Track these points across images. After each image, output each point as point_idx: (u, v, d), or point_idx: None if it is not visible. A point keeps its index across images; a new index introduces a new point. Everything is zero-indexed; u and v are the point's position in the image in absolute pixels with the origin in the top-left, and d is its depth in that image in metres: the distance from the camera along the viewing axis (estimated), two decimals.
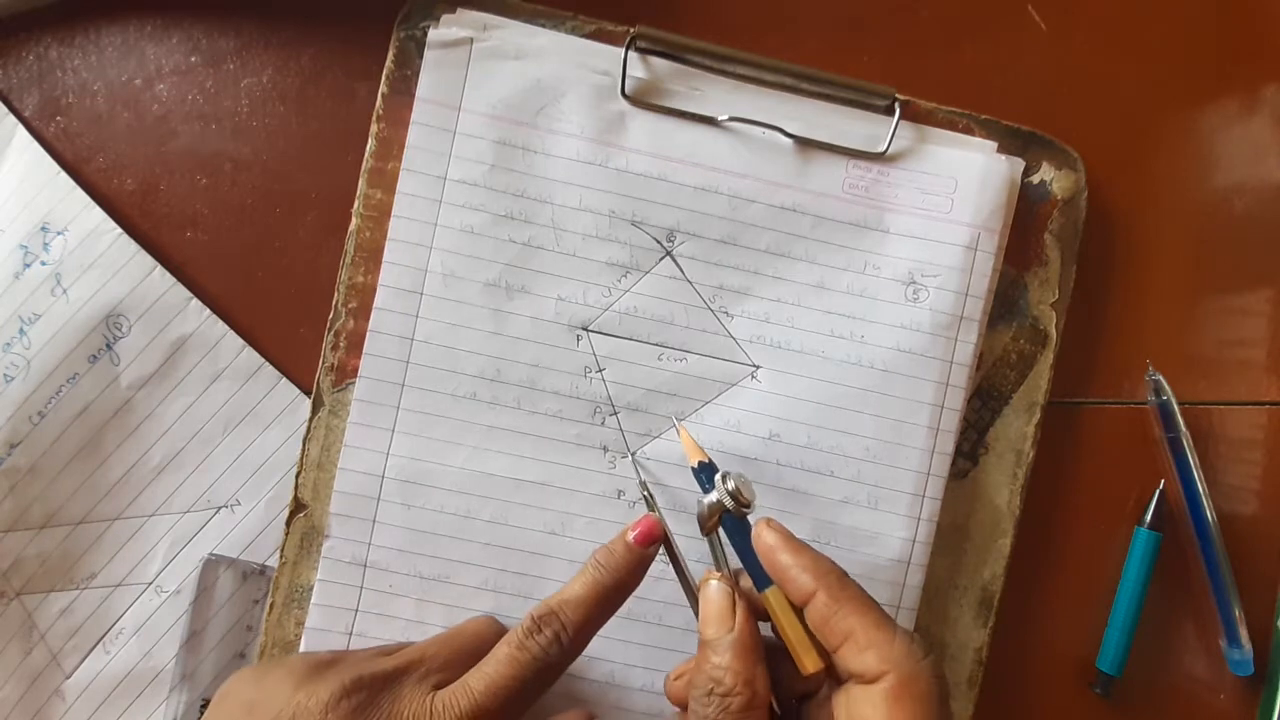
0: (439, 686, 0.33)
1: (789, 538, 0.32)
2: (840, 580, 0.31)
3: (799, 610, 0.31)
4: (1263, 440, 0.43)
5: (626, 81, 0.39)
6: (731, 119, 0.39)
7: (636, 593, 0.39)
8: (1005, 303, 0.41)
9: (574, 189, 0.39)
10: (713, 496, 0.33)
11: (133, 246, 0.39)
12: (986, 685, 0.41)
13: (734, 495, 0.33)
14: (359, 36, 0.40)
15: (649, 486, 0.38)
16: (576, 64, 0.39)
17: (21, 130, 0.39)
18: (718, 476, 0.34)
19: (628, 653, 0.39)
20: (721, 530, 0.34)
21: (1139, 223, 0.42)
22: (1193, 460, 0.41)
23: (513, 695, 0.32)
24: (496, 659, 0.33)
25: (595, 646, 0.39)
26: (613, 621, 0.39)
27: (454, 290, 0.39)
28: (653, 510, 0.37)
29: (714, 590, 0.32)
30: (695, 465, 0.35)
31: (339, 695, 0.31)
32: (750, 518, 0.33)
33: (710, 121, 0.39)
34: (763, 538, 0.32)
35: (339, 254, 0.39)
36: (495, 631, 0.37)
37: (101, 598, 0.40)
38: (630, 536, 0.34)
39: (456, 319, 0.39)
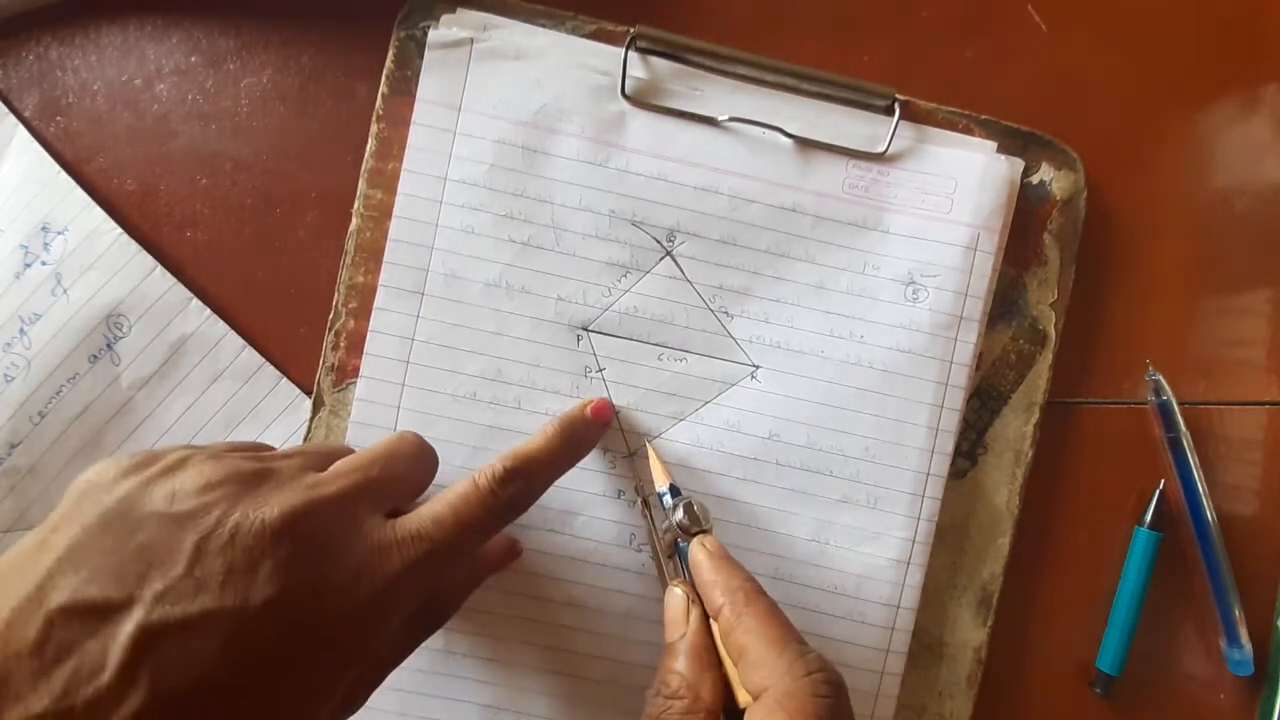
0: (392, 516, 0.31)
1: (716, 556, 0.33)
2: (747, 596, 0.31)
3: None
4: (1263, 440, 0.43)
5: (626, 81, 0.39)
6: (731, 119, 0.39)
7: (637, 593, 0.39)
8: (1005, 303, 0.41)
9: (574, 189, 0.39)
10: (670, 521, 0.35)
11: (133, 246, 0.39)
12: (986, 685, 0.41)
13: (680, 523, 0.34)
14: (359, 36, 0.40)
15: (640, 486, 0.38)
16: (576, 64, 0.39)
17: (21, 130, 0.39)
18: (678, 504, 0.34)
19: (627, 651, 0.39)
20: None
21: (1138, 223, 0.42)
22: (1193, 460, 0.41)
23: (476, 534, 0.32)
24: (465, 498, 0.31)
25: (595, 645, 0.39)
26: (613, 620, 0.39)
27: (454, 290, 0.39)
28: (653, 520, 0.37)
29: (672, 596, 0.33)
30: (664, 489, 0.37)
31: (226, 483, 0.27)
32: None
33: (710, 121, 0.39)
34: (694, 555, 0.33)
35: (339, 254, 0.39)
36: (429, 454, 0.34)
37: None
38: (588, 411, 0.38)
39: (457, 319, 0.39)
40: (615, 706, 0.39)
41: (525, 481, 0.33)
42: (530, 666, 0.39)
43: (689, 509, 0.34)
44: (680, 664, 0.31)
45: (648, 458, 0.38)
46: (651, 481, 0.39)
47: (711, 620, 0.31)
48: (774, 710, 0.27)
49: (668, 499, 0.36)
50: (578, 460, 0.37)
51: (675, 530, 0.34)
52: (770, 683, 0.28)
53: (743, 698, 0.29)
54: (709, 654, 0.31)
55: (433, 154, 0.39)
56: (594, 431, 0.38)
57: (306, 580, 0.26)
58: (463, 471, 0.39)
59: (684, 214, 0.39)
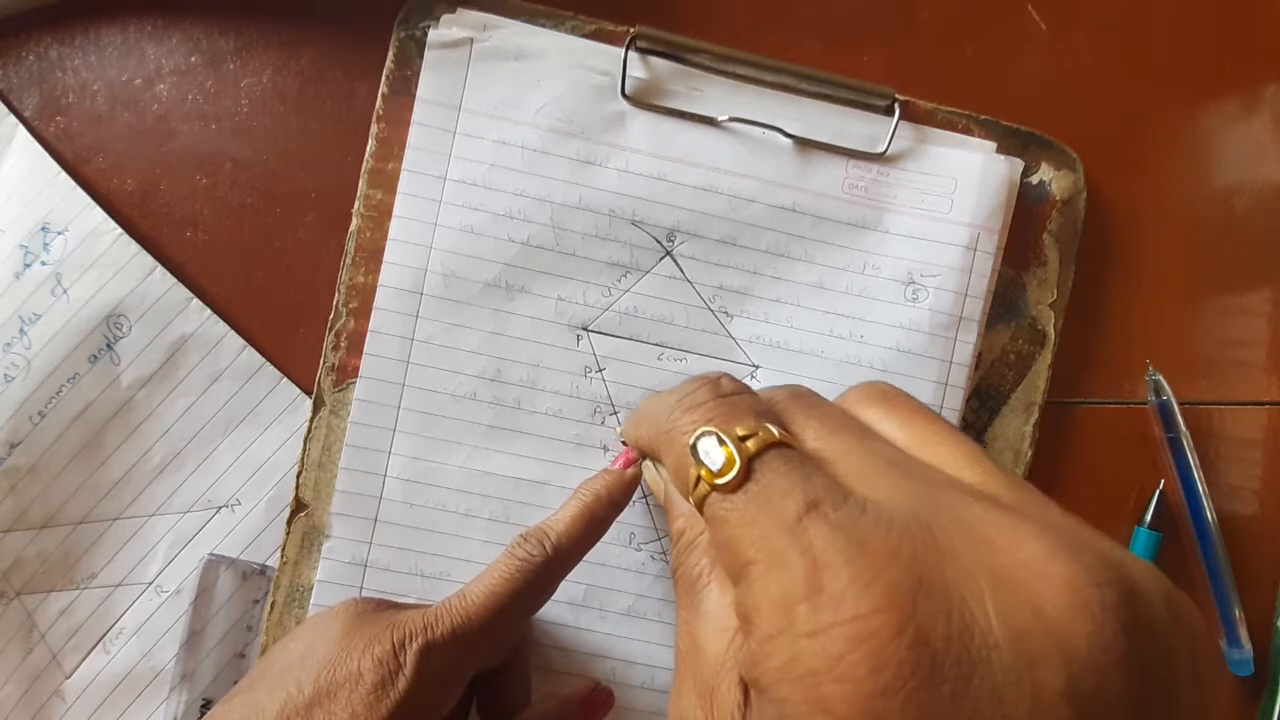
0: None
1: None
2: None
3: None
4: (1263, 440, 0.43)
5: (626, 81, 0.39)
6: (731, 119, 0.39)
7: (637, 591, 0.39)
8: (1004, 303, 0.41)
9: (574, 188, 0.39)
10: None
11: (133, 246, 0.39)
12: None
13: None
14: (359, 36, 0.40)
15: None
16: (576, 64, 0.39)
17: (21, 130, 0.39)
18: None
19: (629, 649, 0.39)
20: None
21: (1138, 223, 0.42)
22: (1193, 460, 0.41)
23: (505, 601, 0.32)
24: (489, 570, 0.33)
25: (595, 643, 0.39)
26: (613, 619, 0.39)
27: (454, 290, 0.39)
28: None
29: (645, 468, 0.32)
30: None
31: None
32: None
33: (710, 121, 0.39)
34: (625, 424, 0.33)
35: (339, 254, 0.39)
36: None
37: (101, 598, 0.40)
38: (614, 466, 0.35)
39: (457, 319, 0.39)
40: (616, 706, 0.39)
41: (541, 538, 0.33)
42: (530, 666, 0.39)
43: None
44: (673, 508, 0.29)
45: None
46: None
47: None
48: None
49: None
50: (615, 511, 0.35)
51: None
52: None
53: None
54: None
55: (433, 154, 0.39)
56: (619, 478, 0.35)
57: None
58: (463, 471, 0.39)
59: (684, 214, 0.39)
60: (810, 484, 0.21)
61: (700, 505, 0.23)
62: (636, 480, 0.35)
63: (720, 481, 0.22)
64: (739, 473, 0.22)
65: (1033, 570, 0.18)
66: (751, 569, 0.20)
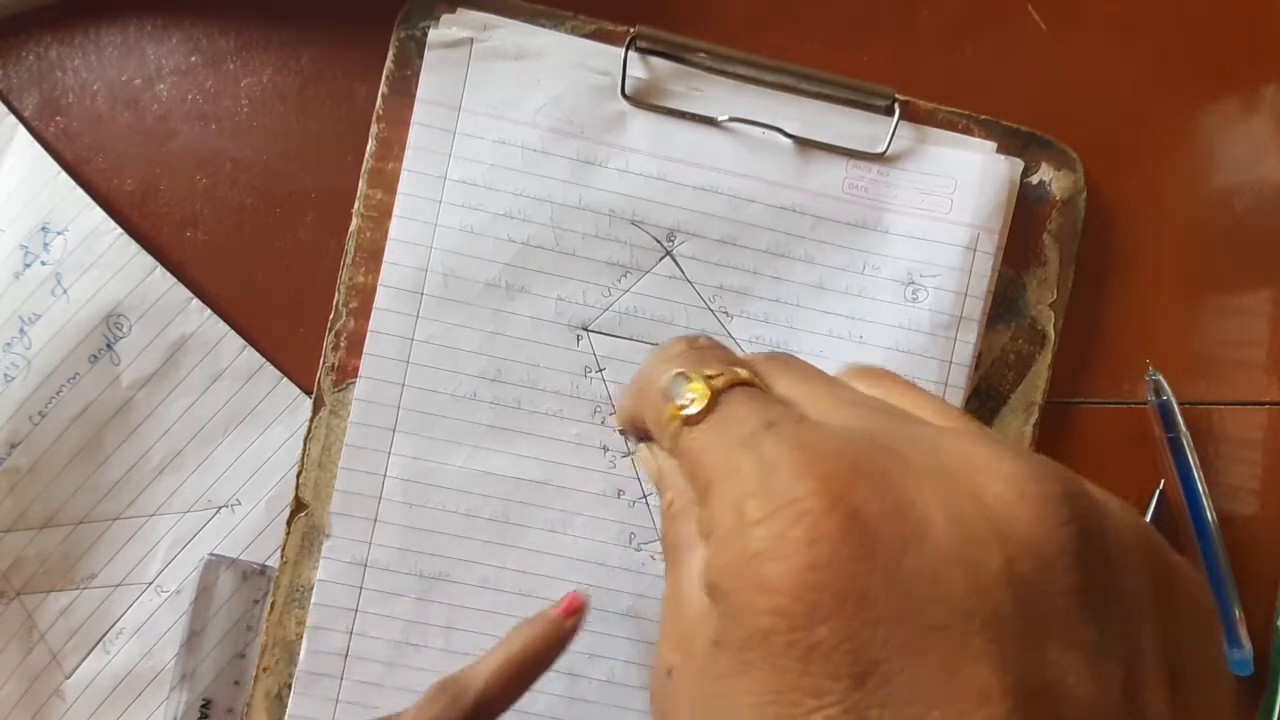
0: None
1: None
2: None
3: None
4: (1263, 440, 0.43)
5: (626, 81, 0.39)
6: (731, 119, 0.39)
7: (637, 590, 0.39)
8: (1004, 303, 0.41)
9: (574, 188, 0.39)
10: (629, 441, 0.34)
11: (133, 246, 0.39)
12: None
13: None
14: (359, 36, 0.40)
15: (638, 487, 0.38)
16: (576, 64, 0.39)
17: (21, 130, 0.39)
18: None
19: (629, 650, 0.39)
20: None
21: (1138, 223, 0.42)
22: (1193, 460, 0.41)
23: None
24: None
25: (595, 644, 0.39)
26: (613, 619, 0.39)
27: (454, 290, 0.39)
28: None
29: (640, 450, 0.31)
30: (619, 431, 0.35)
31: None
32: None
33: (710, 121, 0.39)
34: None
35: (339, 254, 0.39)
36: None
37: (101, 598, 0.40)
38: (553, 612, 0.35)
39: (457, 319, 0.39)
40: (616, 706, 0.39)
41: (454, 694, 0.32)
42: None
43: None
44: (665, 481, 0.29)
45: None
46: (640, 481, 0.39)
47: None
48: None
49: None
50: (541, 664, 0.34)
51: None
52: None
53: None
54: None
55: (433, 154, 0.39)
56: (555, 628, 0.34)
57: None
58: (463, 471, 0.39)
59: (684, 214, 0.39)
60: (770, 408, 0.21)
61: (674, 447, 0.23)
62: (573, 632, 0.34)
63: (687, 413, 0.22)
64: (706, 405, 0.22)
65: (976, 466, 0.18)
66: (712, 485, 0.21)
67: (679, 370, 0.24)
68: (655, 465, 0.29)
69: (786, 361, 0.26)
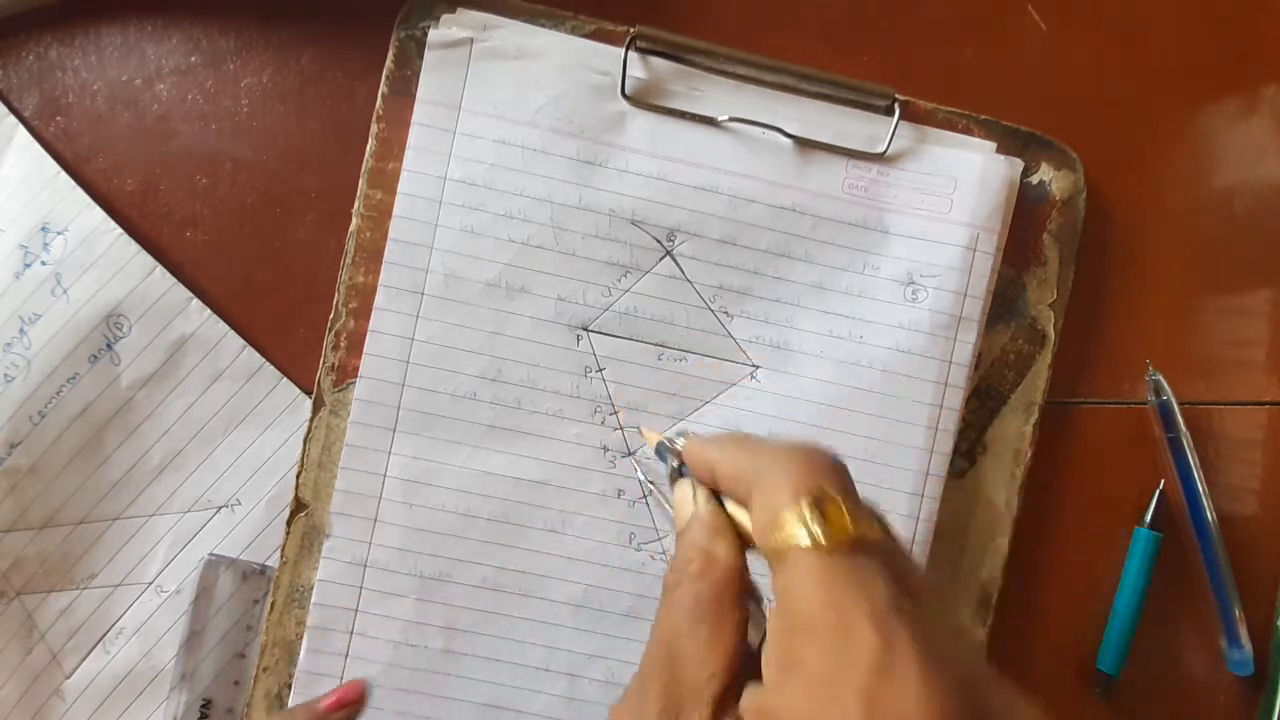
0: None
1: (704, 440, 0.31)
2: (738, 435, 0.30)
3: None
4: (1263, 440, 0.43)
5: (626, 81, 0.39)
6: (731, 119, 0.39)
7: (637, 591, 0.39)
8: (1004, 303, 0.41)
9: (574, 188, 0.39)
10: (671, 463, 0.33)
11: (133, 246, 0.39)
12: None
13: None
14: (359, 36, 0.40)
15: (650, 484, 0.38)
16: (576, 64, 0.39)
17: (21, 130, 0.39)
18: (673, 440, 0.33)
19: (628, 650, 0.39)
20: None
21: (1138, 223, 0.42)
22: (1193, 460, 0.41)
23: None
24: None
25: (594, 644, 0.39)
26: (613, 619, 0.39)
27: (454, 290, 0.39)
28: (658, 496, 0.37)
29: (680, 486, 0.31)
30: (655, 448, 0.35)
31: None
32: None
33: (710, 121, 0.39)
34: (691, 441, 0.31)
35: (339, 254, 0.39)
36: None
37: (101, 598, 0.40)
38: (323, 704, 0.35)
39: (457, 319, 0.39)
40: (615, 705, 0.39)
41: None
42: (530, 666, 0.39)
43: (685, 434, 0.32)
44: (692, 535, 0.29)
45: (653, 456, 0.39)
46: (647, 480, 0.39)
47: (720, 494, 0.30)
48: (774, 465, 0.26)
49: (665, 456, 0.34)
50: None
51: (677, 465, 0.32)
52: (763, 454, 0.27)
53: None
54: (720, 520, 0.29)
55: (433, 154, 0.39)
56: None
57: None
58: (463, 471, 0.39)
59: (684, 214, 0.39)
60: (902, 596, 0.22)
61: (781, 551, 0.24)
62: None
63: (823, 540, 0.23)
64: (846, 541, 0.23)
65: None
66: (815, 626, 0.21)
67: (831, 490, 0.24)
68: (691, 511, 0.29)
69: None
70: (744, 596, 0.27)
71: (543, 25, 0.40)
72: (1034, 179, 0.41)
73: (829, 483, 0.24)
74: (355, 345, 0.39)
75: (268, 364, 0.40)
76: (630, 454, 0.39)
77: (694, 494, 0.30)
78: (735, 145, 0.39)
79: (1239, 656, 0.41)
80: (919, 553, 0.39)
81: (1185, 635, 0.43)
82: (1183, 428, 0.41)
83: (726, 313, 0.40)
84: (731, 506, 0.29)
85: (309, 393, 0.40)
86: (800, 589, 0.22)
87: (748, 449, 0.28)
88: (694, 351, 0.40)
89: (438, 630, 0.39)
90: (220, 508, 0.40)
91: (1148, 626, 0.41)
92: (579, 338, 0.39)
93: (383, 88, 0.39)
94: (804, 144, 0.39)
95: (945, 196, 0.40)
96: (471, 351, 0.39)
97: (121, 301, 0.39)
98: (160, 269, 0.39)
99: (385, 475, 0.39)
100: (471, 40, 0.39)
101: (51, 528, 0.39)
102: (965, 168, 0.39)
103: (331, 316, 0.39)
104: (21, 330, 0.39)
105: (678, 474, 0.33)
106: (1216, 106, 0.43)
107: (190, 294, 0.39)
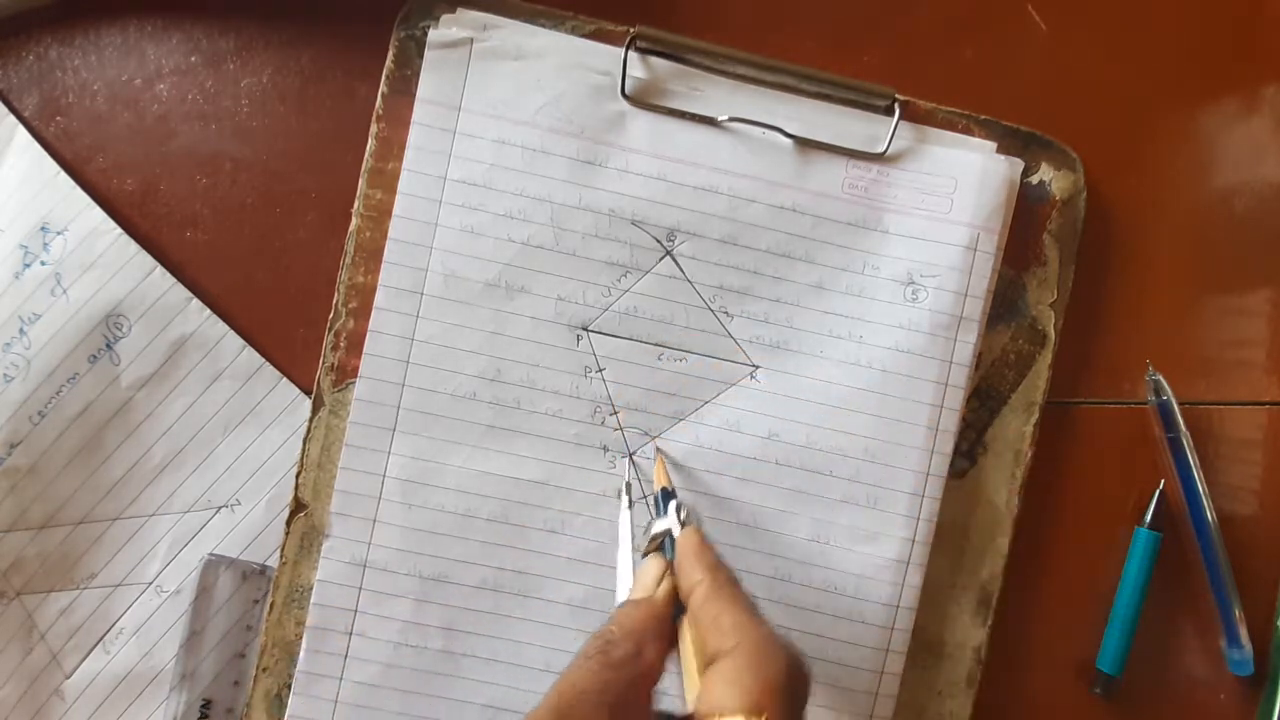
0: None
1: (703, 543, 0.31)
2: (730, 579, 0.30)
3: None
4: (1263, 440, 0.43)
5: (626, 81, 0.39)
6: (731, 119, 0.39)
7: None
8: (1004, 303, 0.41)
9: (574, 188, 0.39)
10: (661, 524, 0.33)
11: (133, 246, 0.39)
12: (985, 684, 0.41)
13: (682, 524, 0.33)
14: (359, 36, 0.40)
15: (637, 487, 0.39)
16: (576, 64, 0.39)
17: (21, 130, 0.39)
18: (673, 505, 0.33)
19: None
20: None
21: (1138, 223, 0.42)
22: (1193, 460, 0.41)
23: None
24: None
25: None
26: None
27: (454, 290, 0.39)
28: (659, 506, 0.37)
29: (649, 561, 0.32)
30: (658, 491, 0.36)
31: None
32: None
33: (710, 121, 0.39)
34: (685, 538, 0.32)
35: (339, 254, 0.39)
36: None
37: (101, 598, 0.40)
38: None
39: (457, 319, 0.39)
40: None
41: None
42: (530, 667, 0.39)
43: (691, 518, 0.33)
44: (631, 612, 0.29)
45: (653, 458, 0.39)
46: (638, 480, 0.39)
47: (682, 598, 0.30)
48: (742, 662, 0.27)
49: (665, 504, 0.35)
50: None
51: (666, 533, 0.33)
52: (742, 638, 0.27)
53: (692, 689, 0.28)
54: (665, 623, 0.30)
55: (433, 154, 0.39)
56: None
57: None
58: (462, 471, 0.39)
59: (684, 214, 0.39)
60: None
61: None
62: None
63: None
64: None
65: None
66: None
67: (773, 714, 0.26)
68: (648, 594, 0.31)
69: None
70: (651, 702, 0.28)
71: (542, 25, 0.40)
72: (1034, 179, 0.41)
73: (778, 708, 0.26)
74: (355, 345, 0.39)
75: (267, 364, 0.40)
76: (630, 454, 0.39)
77: (659, 581, 0.31)
78: (735, 145, 0.39)
79: (1239, 656, 0.41)
80: (919, 553, 0.39)
81: (1185, 635, 0.43)
82: (1183, 428, 0.41)
83: (726, 313, 0.40)
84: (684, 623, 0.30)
85: (309, 393, 0.40)
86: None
87: (733, 613, 0.28)
88: (694, 351, 0.40)
89: (437, 631, 0.39)
90: (220, 508, 0.40)
91: (1148, 626, 0.41)
92: (579, 338, 0.39)
93: (383, 88, 0.39)
94: (804, 144, 0.39)
95: (945, 196, 0.40)
96: (471, 351, 0.39)
97: (121, 301, 0.39)
98: (160, 269, 0.39)
99: (385, 475, 0.39)
100: (471, 40, 0.39)
101: (51, 528, 0.39)
102: (965, 168, 0.39)
103: (331, 316, 0.39)
104: (21, 330, 0.39)
105: (658, 546, 0.33)
106: (1216, 106, 0.43)
107: (190, 294, 0.39)
